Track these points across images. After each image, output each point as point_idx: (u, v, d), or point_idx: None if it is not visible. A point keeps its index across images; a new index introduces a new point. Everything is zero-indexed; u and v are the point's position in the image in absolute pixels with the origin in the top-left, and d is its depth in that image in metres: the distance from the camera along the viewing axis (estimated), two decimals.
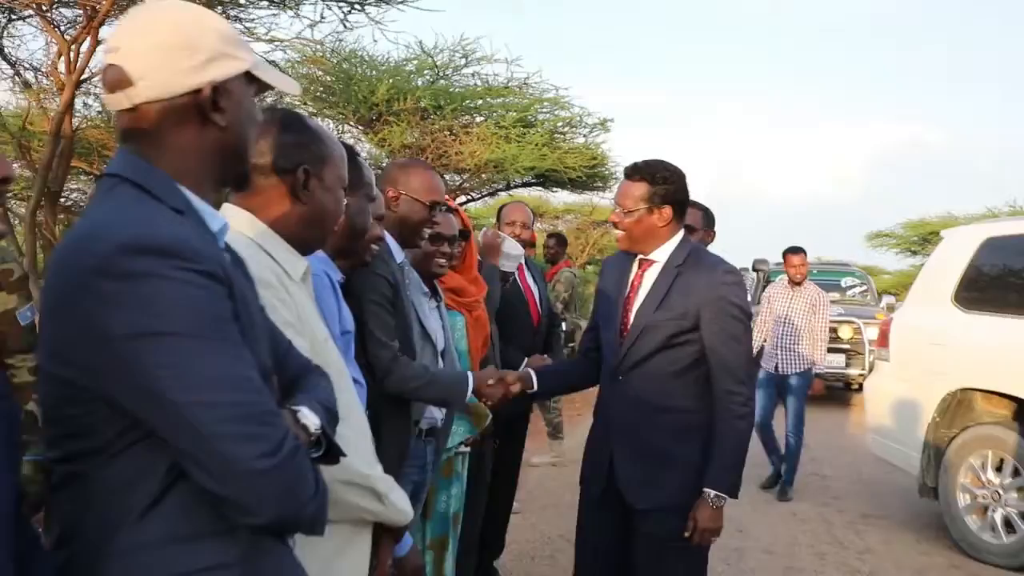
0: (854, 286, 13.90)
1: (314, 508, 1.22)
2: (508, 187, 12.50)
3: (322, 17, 8.42)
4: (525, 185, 12.60)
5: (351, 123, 10.33)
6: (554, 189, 13.13)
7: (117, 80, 1.28)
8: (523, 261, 4.24)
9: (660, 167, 2.78)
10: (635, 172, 2.79)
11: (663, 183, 2.76)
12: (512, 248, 3.92)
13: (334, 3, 8.06)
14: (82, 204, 8.94)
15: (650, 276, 2.82)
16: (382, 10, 8.12)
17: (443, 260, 2.96)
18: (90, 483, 1.16)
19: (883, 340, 6.19)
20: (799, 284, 6.95)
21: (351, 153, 2.03)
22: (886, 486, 6.83)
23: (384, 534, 1.84)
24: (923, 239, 23.23)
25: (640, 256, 2.86)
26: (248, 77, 1.38)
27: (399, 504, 1.79)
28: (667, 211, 2.78)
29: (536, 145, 10.21)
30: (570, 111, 11.12)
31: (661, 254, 2.82)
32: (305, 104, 9.78)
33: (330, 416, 1.43)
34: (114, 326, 1.11)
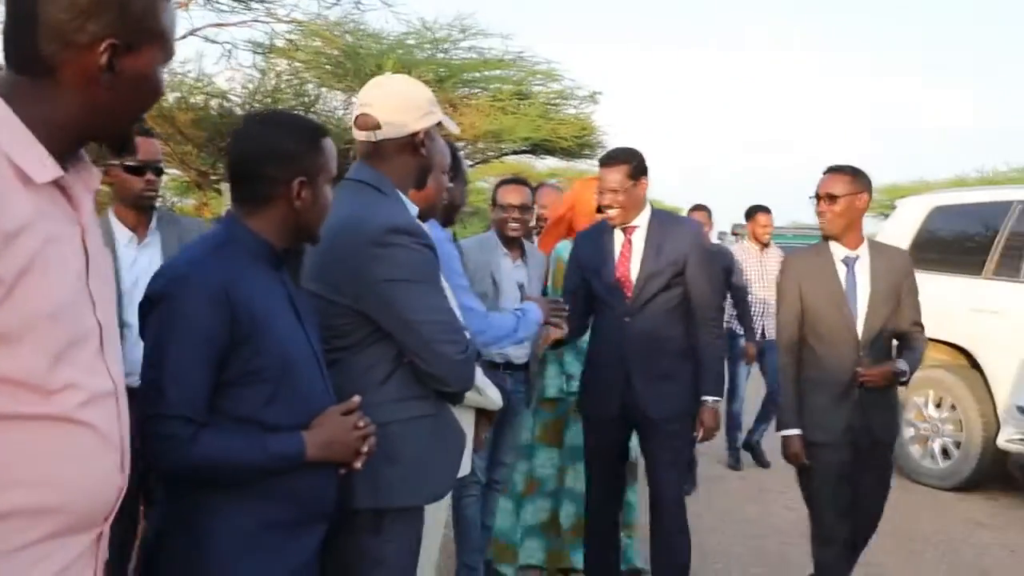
0: None
1: (471, 385, 2.07)
2: (501, 155, 13.21)
3: (337, 1, 9.10)
4: (516, 153, 13.32)
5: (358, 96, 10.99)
6: (544, 156, 13.85)
7: (368, 124, 2.06)
8: None
9: (627, 151, 3.40)
10: (613, 159, 3.36)
11: (635, 160, 3.34)
12: None
13: None
14: None
15: (639, 237, 3.38)
16: None
17: None
18: (347, 366, 1.94)
19: None
20: (767, 246, 6.51)
21: (453, 150, 2.73)
22: None
23: (480, 416, 2.66)
24: (903, 199, 23.98)
25: (624, 225, 3.39)
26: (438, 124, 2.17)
27: (492, 396, 2.63)
28: (644, 181, 3.37)
29: (531, 117, 10.93)
30: (561, 83, 11.83)
31: (642, 220, 3.39)
32: (318, 79, 10.37)
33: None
34: (377, 273, 1.89)
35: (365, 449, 1.74)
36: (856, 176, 3.22)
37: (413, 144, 2.09)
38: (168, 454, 1.53)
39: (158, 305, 1.59)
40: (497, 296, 3.61)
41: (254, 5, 8.83)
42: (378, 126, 2.05)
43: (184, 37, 8.29)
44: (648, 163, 3.39)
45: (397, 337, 1.94)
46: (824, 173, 3.27)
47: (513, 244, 3.76)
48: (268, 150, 1.71)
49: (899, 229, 6.62)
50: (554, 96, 11.77)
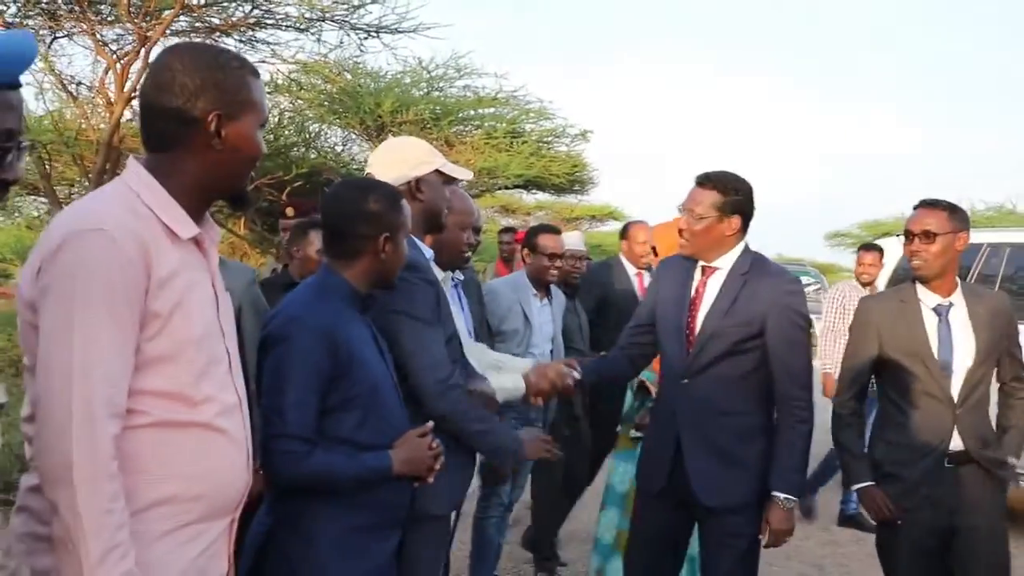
0: (808, 284, 15.26)
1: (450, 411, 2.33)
2: (494, 190, 13.58)
3: (341, 43, 9.46)
4: (508, 188, 13.69)
5: (356, 133, 11.34)
6: (535, 192, 14.24)
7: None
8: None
9: (732, 177, 2.81)
10: (707, 180, 2.80)
11: (734, 193, 2.78)
12: None
13: (353, 31, 9.11)
14: None
15: (714, 283, 2.82)
16: (395, 37, 9.19)
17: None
18: None
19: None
20: None
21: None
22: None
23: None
24: (881, 239, 24.46)
25: (703, 263, 2.86)
26: (439, 173, 2.47)
27: (511, 385, 2.74)
28: (736, 220, 2.79)
29: (524, 154, 11.31)
30: (553, 122, 12.23)
31: (725, 262, 2.82)
32: (318, 116, 10.71)
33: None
34: (391, 303, 2.20)
35: (437, 466, 2.05)
36: (954, 212, 2.83)
37: (409, 190, 2.39)
38: (288, 468, 1.85)
39: (277, 344, 1.91)
40: (529, 332, 3.90)
41: (260, 47, 9.18)
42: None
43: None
44: (754, 204, 2.86)
45: (396, 357, 2.21)
46: (916, 208, 2.88)
47: (543, 286, 4.06)
48: (358, 211, 2.04)
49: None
50: (546, 134, 12.16)
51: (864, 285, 5.98)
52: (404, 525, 2.08)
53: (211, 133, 1.51)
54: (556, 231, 4.17)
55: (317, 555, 1.89)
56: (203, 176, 1.53)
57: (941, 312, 2.82)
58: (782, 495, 2.70)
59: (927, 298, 2.84)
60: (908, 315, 2.83)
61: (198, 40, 8.27)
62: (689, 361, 2.79)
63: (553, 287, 4.23)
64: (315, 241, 3.43)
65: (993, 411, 2.95)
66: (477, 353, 2.77)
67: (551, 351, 4.03)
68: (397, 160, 2.43)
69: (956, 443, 2.76)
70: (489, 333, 3.87)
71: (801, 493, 2.83)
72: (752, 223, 2.86)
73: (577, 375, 2.92)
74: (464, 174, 2.60)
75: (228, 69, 1.54)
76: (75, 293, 1.34)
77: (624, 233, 5.01)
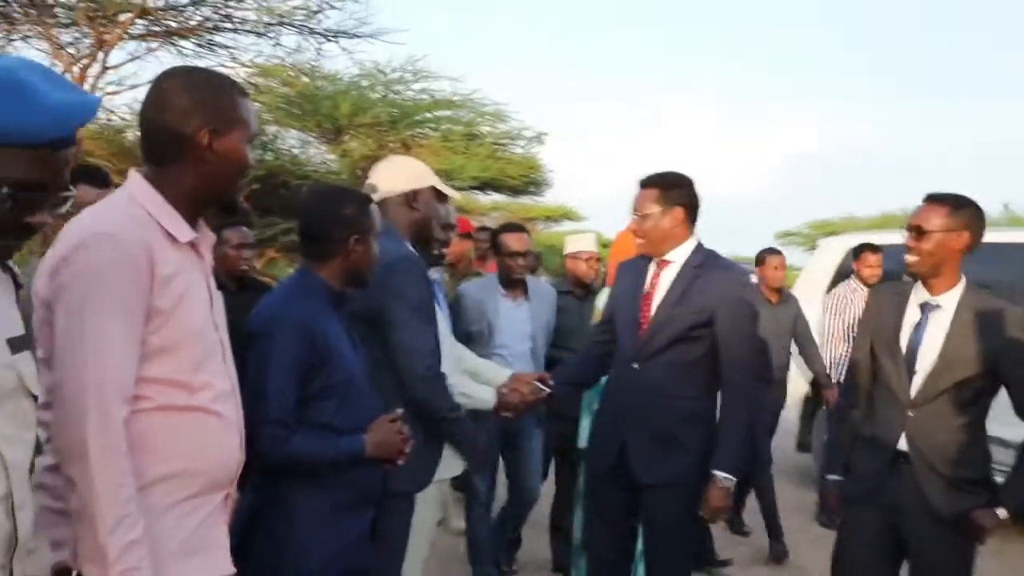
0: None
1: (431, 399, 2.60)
2: None
3: (299, 47, 9.59)
4: (465, 189, 13.88)
5: (314, 135, 11.48)
6: (491, 193, 14.45)
7: (371, 190, 2.59)
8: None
9: (670, 174, 3.00)
10: (647, 181, 3.00)
11: (673, 187, 2.97)
12: None
13: (311, 36, 9.24)
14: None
15: (668, 275, 2.98)
16: (353, 42, 9.34)
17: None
18: None
19: None
20: None
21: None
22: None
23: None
24: (827, 238, 25.01)
25: (657, 258, 3.03)
26: (433, 189, 2.70)
27: (482, 396, 2.98)
28: (679, 211, 2.95)
29: (480, 157, 11.53)
30: (509, 124, 12.46)
31: (678, 255, 2.98)
32: (276, 120, 10.81)
33: None
34: (390, 288, 2.42)
35: (406, 450, 2.24)
36: (957, 208, 2.67)
37: (406, 201, 2.71)
38: (271, 451, 2.03)
39: (260, 338, 2.09)
40: (491, 336, 4.01)
41: (219, 51, 9.26)
42: (376, 191, 2.67)
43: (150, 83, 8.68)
44: (696, 195, 3.03)
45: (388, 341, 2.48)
46: (923, 201, 2.75)
47: (515, 285, 4.13)
48: (330, 216, 2.23)
49: (820, 267, 7.31)
50: (502, 136, 12.38)
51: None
52: (377, 503, 2.26)
53: (204, 147, 1.68)
54: (519, 229, 4.26)
55: (299, 530, 2.08)
56: (197, 186, 1.71)
57: (925, 310, 2.73)
58: (722, 474, 2.86)
59: (918, 295, 2.76)
60: (896, 309, 2.78)
61: (191, 65, 8.32)
62: (640, 347, 2.95)
63: (543, 285, 4.32)
64: (230, 239, 3.61)
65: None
66: (457, 356, 2.98)
67: (531, 349, 4.10)
68: (397, 174, 2.74)
69: (903, 443, 2.71)
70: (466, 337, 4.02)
71: (740, 474, 2.97)
72: (700, 217, 3.05)
73: (548, 390, 3.13)
74: (453, 194, 2.95)
75: (219, 89, 1.72)
76: (88, 291, 1.51)
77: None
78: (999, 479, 2.72)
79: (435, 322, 2.63)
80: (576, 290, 4.48)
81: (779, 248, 5.77)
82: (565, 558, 4.24)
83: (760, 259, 5.52)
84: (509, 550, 4.58)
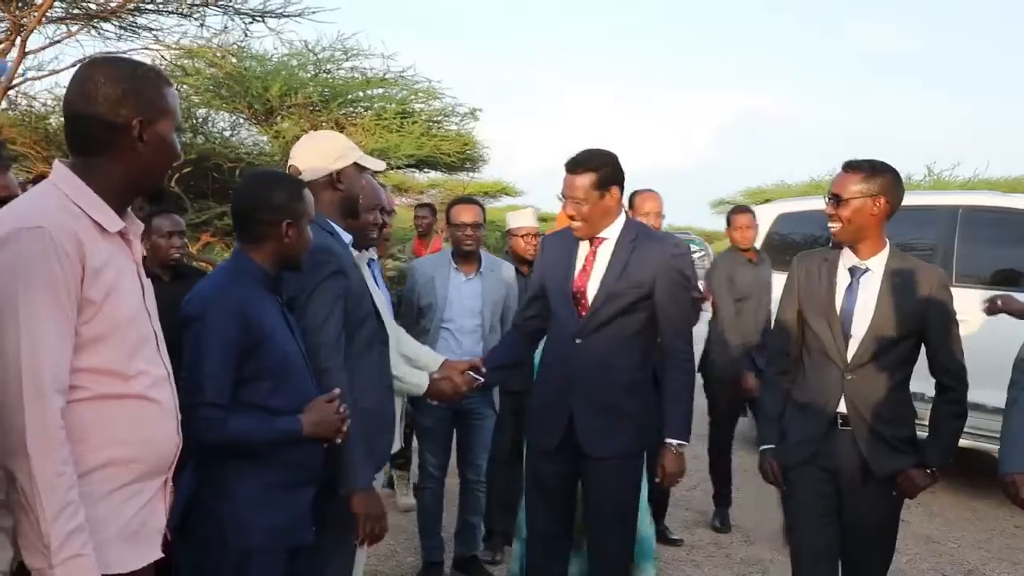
0: (696, 251, 15.92)
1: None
2: (386, 170, 13.65)
3: (225, 27, 9.42)
4: (400, 168, 13.81)
5: (245, 117, 11.27)
6: (427, 171, 14.40)
7: (294, 172, 2.59)
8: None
9: (596, 154, 2.97)
10: (577, 166, 2.96)
11: (605, 168, 2.95)
12: None
13: (238, 16, 9.09)
14: None
15: (605, 251, 3.01)
16: (281, 22, 9.21)
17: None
18: None
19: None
20: None
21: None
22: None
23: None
24: (760, 205, 25.52)
25: (589, 236, 3.04)
26: (356, 165, 2.69)
27: (414, 381, 3.01)
28: (615, 191, 2.98)
29: (415, 135, 11.46)
30: (443, 101, 12.40)
31: (612, 231, 3.02)
32: (205, 102, 10.61)
33: None
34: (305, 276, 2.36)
35: (345, 428, 2.28)
36: (873, 174, 2.72)
37: (330, 182, 2.62)
38: (208, 433, 2.06)
39: (194, 322, 2.11)
40: (443, 307, 4.02)
41: (142, 33, 9.06)
42: (299, 172, 2.60)
43: (73, 66, 8.47)
44: (622, 171, 3.03)
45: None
46: (841, 169, 2.80)
47: (468, 259, 4.11)
48: (262, 201, 2.25)
49: None
50: (436, 114, 12.31)
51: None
52: (319, 481, 2.31)
53: (134, 137, 1.70)
54: (470, 201, 4.25)
55: (240, 509, 2.12)
56: (127, 176, 1.72)
57: (855, 273, 2.79)
58: (675, 441, 2.96)
59: (846, 259, 2.81)
60: (825, 274, 2.82)
61: (113, 54, 8.16)
62: (583, 323, 2.99)
63: (500, 263, 4.27)
64: (161, 227, 3.58)
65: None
66: (394, 337, 2.95)
67: (479, 326, 4.08)
68: (318, 154, 2.64)
69: (842, 406, 2.78)
70: (417, 311, 4.08)
71: (688, 438, 3.01)
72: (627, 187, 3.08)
73: (481, 379, 3.20)
74: (378, 165, 2.83)
75: (146, 79, 1.73)
76: (19, 285, 1.53)
77: (631, 203, 4.64)
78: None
79: (340, 312, 2.48)
80: (519, 266, 4.48)
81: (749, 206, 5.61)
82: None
83: (728, 219, 5.33)
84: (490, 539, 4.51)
